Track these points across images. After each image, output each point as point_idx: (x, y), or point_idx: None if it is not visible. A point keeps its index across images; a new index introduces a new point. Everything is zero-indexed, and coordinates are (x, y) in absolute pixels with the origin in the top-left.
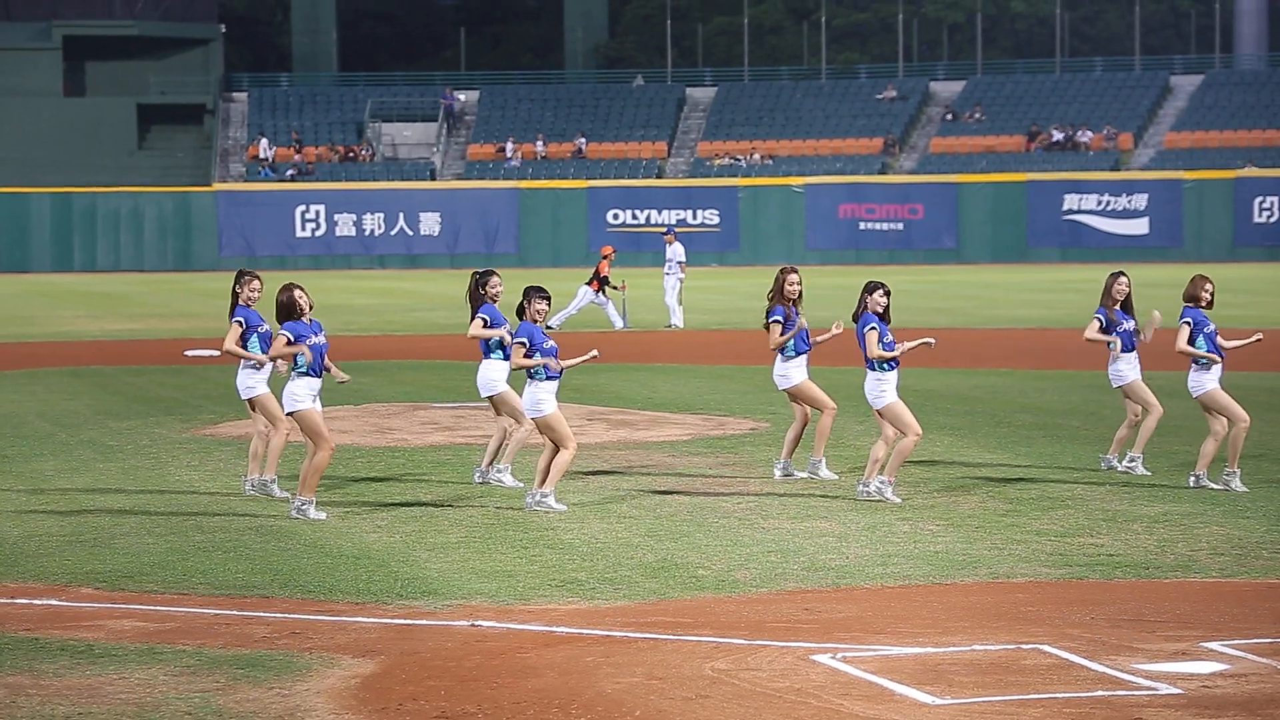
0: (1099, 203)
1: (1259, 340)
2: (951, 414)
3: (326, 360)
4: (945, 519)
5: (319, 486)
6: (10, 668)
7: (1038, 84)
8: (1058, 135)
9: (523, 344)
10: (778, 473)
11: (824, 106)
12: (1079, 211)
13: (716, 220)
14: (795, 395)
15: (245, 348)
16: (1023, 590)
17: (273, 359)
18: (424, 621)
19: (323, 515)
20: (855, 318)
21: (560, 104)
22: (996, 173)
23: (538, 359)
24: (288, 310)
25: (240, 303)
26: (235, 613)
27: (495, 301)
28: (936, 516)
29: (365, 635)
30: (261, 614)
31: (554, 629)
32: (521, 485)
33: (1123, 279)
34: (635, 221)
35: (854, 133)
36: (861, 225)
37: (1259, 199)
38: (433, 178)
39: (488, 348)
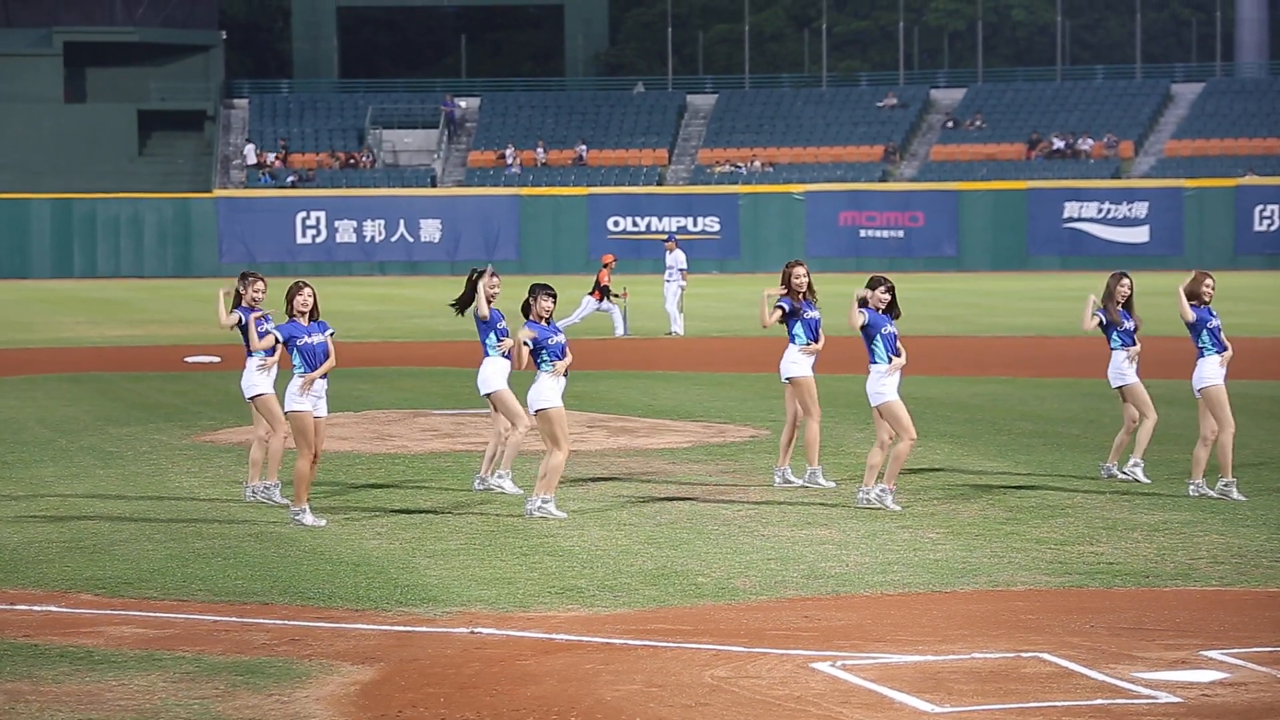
0: (1100, 210)
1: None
2: (952, 422)
3: (327, 365)
4: (945, 527)
5: (315, 493)
6: (9, 674)
7: (1038, 92)
8: (1058, 143)
9: (528, 344)
10: (777, 480)
11: (825, 114)
12: (1079, 219)
13: (717, 227)
14: (794, 387)
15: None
16: (1022, 598)
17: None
18: (423, 628)
19: (322, 521)
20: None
21: (561, 111)
22: (997, 180)
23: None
24: (287, 304)
25: (243, 304)
26: (235, 619)
27: (492, 301)
28: (936, 524)
29: (365, 642)
30: (261, 621)
31: (553, 636)
32: (521, 492)
33: (1125, 280)
34: (636, 229)
35: (855, 140)
36: (862, 233)
37: (1259, 207)
38: (433, 184)
39: (488, 346)
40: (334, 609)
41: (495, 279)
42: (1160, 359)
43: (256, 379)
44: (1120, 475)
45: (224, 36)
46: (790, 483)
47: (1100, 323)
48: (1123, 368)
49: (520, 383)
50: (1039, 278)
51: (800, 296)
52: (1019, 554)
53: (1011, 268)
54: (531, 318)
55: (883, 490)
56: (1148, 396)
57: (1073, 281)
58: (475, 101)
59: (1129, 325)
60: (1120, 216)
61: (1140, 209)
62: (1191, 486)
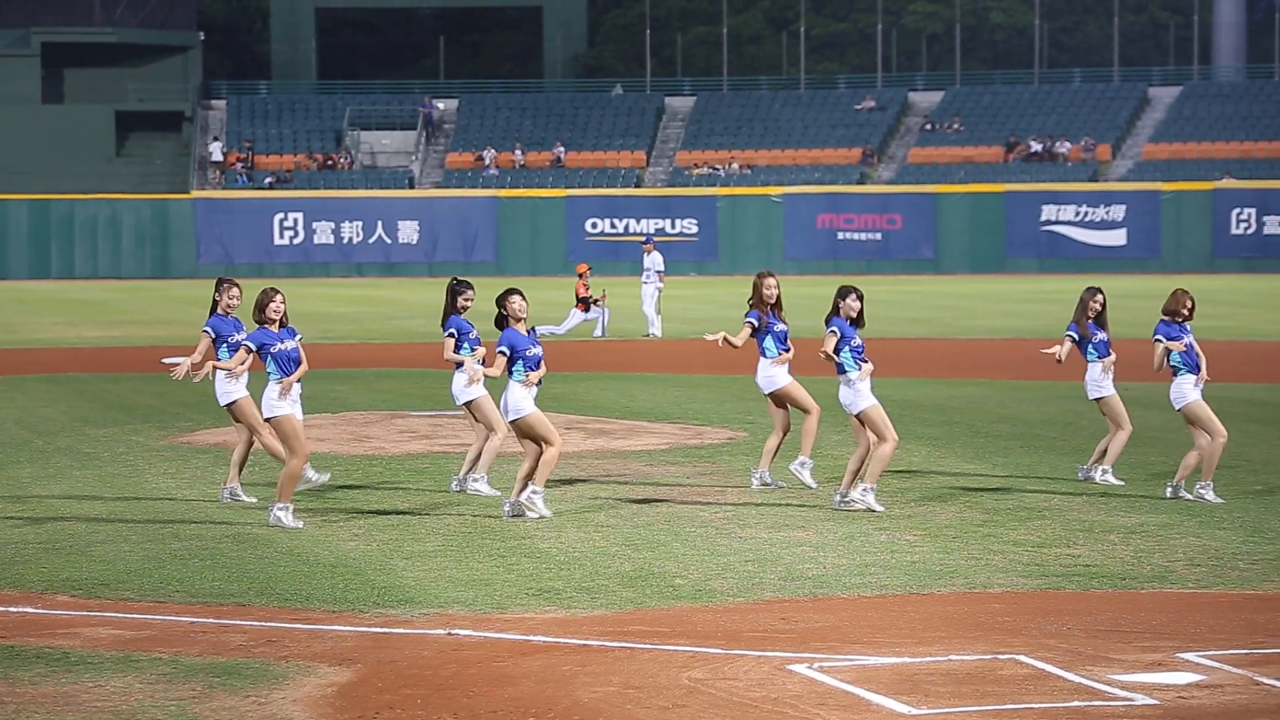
0: (1077, 213)
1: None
2: (929, 424)
3: (301, 370)
4: (922, 529)
5: (295, 494)
6: None
7: (1016, 95)
8: (1036, 146)
9: (504, 353)
10: (755, 482)
11: (803, 116)
12: (1057, 222)
13: (695, 229)
14: (781, 398)
15: (216, 358)
16: (999, 600)
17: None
18: (400, 630)
19: (299, 523)
20: (827, 320)
21: (539, 113)
22: (975, 183)
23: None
24: (258, 312)
25: (219, 311)
26: (212, 621)
27: (464, 313)
28: (914, 526)
29: (342, 643)
30: (238, 622)
31: (531, 638)
32: (499, 494)
33: (1099, 295)
34: (614, 231)
35: (832, 143)
36: (840, 235)
37: (1236, 210)
38: (411, 186)
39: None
40: (311, 610)
41: (471, 291)
42: (1134, 362)
43: (228, 386)
44: (1097, 479)
45: (202, 37)
46: (768, 485)
47: (1074, 339)
48: (1099, 379)
49: (492, 391)
50: (1016, 280)
51: (768, 309)
52: (996, 556)
53: (989, 270)
54: (511, 324)
55: (865, 489)
56: (1124, 409)
57: (1050, 284)
58: (453, 103)
59: (1102, 336)
60: (1098, 219)
61: (1118, 212)
62: (1169, 489)
